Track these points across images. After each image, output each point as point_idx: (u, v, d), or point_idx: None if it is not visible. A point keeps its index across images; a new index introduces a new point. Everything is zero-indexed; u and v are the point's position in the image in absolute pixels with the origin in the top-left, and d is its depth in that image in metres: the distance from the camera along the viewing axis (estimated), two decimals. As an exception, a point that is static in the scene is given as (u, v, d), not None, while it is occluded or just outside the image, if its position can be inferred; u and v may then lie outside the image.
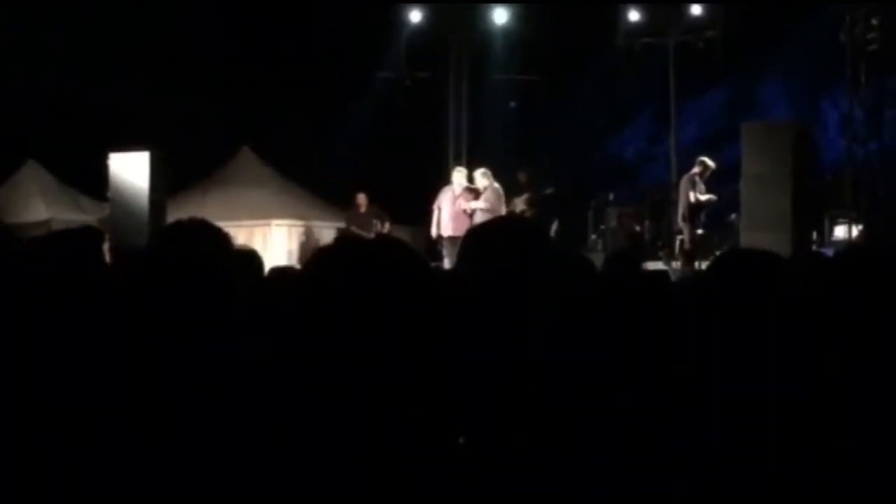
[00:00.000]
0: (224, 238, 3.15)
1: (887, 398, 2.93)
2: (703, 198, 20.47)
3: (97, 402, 2.70)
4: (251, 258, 5.69)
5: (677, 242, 20.85)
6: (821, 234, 21.23)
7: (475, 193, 20.31)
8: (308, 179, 24.47)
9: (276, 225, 22.56)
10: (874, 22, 22.94)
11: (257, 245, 19.28)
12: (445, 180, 20.66)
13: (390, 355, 2.55)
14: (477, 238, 3.30)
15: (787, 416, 3.00)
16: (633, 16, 25.33)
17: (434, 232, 20.31)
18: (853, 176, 23.04)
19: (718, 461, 2.94)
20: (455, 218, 19.98)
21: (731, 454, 2.95)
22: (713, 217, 21.77)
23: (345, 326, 2.56)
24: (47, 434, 2.71)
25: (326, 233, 22.69)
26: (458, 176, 20.60)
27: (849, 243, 20.79)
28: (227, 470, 2.56)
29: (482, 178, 20.31)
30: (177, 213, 17.58)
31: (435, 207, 20.40)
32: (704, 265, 18.78)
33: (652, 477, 2.85)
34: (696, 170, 20.58)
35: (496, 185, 20.34)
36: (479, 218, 18.90)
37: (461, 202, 20.17)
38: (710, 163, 20.65)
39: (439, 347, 2.65)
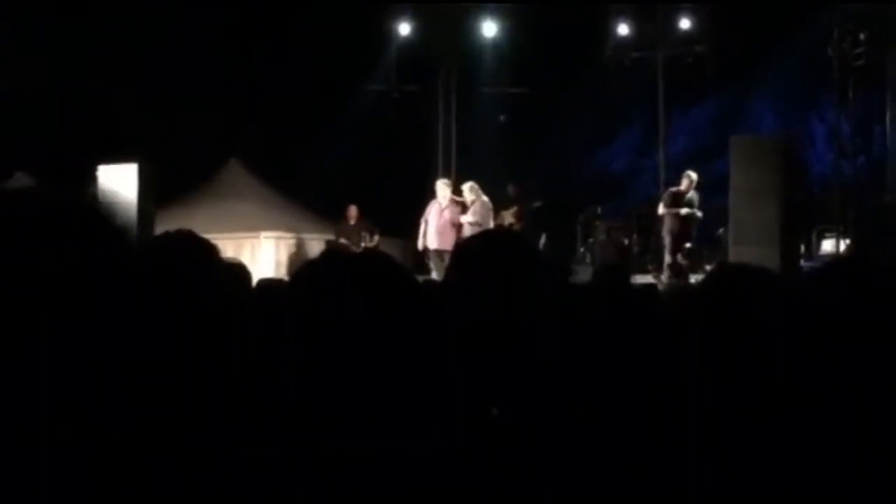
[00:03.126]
0: (211, 250, 3.14)
1: (872, 407, 2.93)
2: (684, 212, 20.60)
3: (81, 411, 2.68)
4: (239, 270, 5.68)
5: (666, 256, 20.88)
6: (808, 248, 21.29)
7: (462, 205, 20.37)
8: (297, 191, 24.46)
9: (265, 237, 22.53)
10: (861, 37, 23.04)
11: (245, 257, 19.27)
12: (434, 193, 20.69)
13: (378, 368, 2.54)
14: (466, 251, 3.29)
15: (776, 426, 2.99)
16: (623, 30, 25.39)
17: (420, 244, 20.38)
18: (841, 190, 23.10)
19: (710, 472, 2.93)
20: (441, 231, 20.05)
21: (722, 464, 2.95)
22: (701, 231, 21.81)
23: (331, 341, 2.55)
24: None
25: (315, 245, 22.67)
26: (443, 188, 20.66)
27: (836, 257, 20.85)
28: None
29: (470, 192, 20.37)
30: (165, 224, 17.55)
31: (422, 220, 20.46)
32: (694, 279, 18.88)
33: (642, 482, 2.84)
34: (682, 185, 20.71)
35: (484, 198, 20.40)
36: (467, 231, 18.96)
37: (447, 214, 20.23)
38: (694, 176, 20.77)
39: (427, 361, 2.65)
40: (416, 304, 2.68)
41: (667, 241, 20.66)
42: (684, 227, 20.66)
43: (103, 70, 22.90)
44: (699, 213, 20.77)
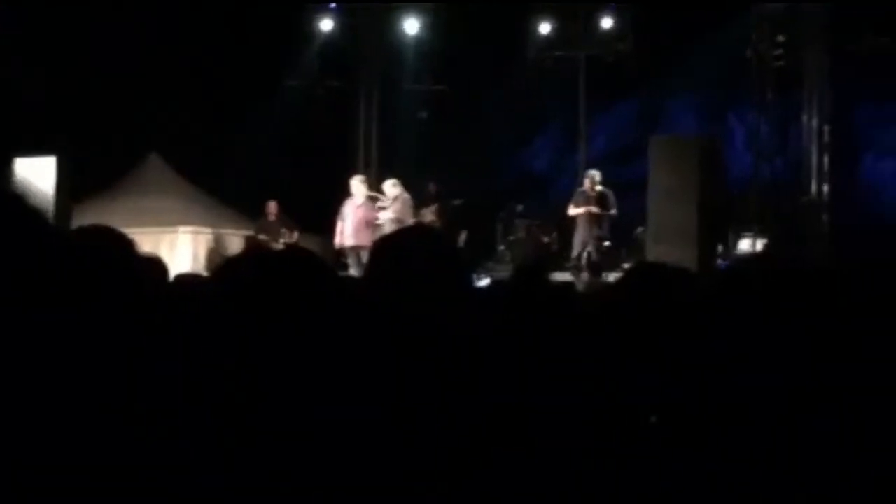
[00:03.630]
0: (128, 244, 3.12)
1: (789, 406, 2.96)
2: (572, 212, 20.80)
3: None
4: (156, 265, 5.65)
5: (584, 255, 20.97)
6: (726, 248, 21.45)
7: (377, 202, 20.42)
8: (216, 187, 24.32)
9: (183, 232, 22.38)
10: (780, 38, 23.28)
11: (164, 252, 19.11)
12: (350, 191, 20.69)
13: (303, 364, 2.54)
14: (385, 248, 3.29)
15: (695, 426, 3.01)
16: (545, 28, 25.45)
17: (338, 242, 20.40)
18: (758, 190, 23.32)
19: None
20: (358, 228, 20.09)
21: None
22: (620, 230, 21.93)
23: (254, 337, 2.54)
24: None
25: (234, 241, 22.58)
26: (358, 186, 20.68)
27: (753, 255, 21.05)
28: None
29: (392, 187, 20.40)
30: (82, 219, 17.38)
31: (338, 218, 20.47)
32: (612, 277, 18.97)
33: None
34: (585, 185, 20.92)
35: (406, 195, 20.44)
36: (387, 228, 18.95)
37: (362, 212, 20.25)
38: (594, 174, 20.98)
39: (349, 357, 2.64)
40: (339, 300, 2.67)
41: (579, 240, 20.82)
42: (595, 226, 20.78)
43: (20, 61, 22.65)
44: (613, 212, 20.89)
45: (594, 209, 20.73)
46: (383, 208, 20.34)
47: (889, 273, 3.26)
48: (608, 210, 20.80)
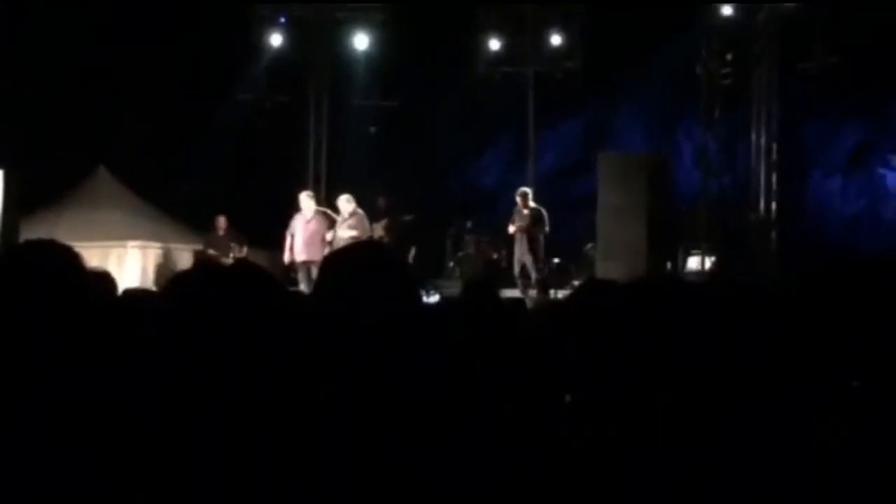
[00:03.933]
0: (74, 258, 3.09)
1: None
2: (510, 230, 20.81)
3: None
4: (104, 279, 5.61)
5: (522, 271, 20.98)
6: (675, 264, 21.52)
7: (329, 217, 20.38)
8: (165, 201, 24.20)
9: (132, 246, 22.25)
10: (728, 57, 23.42)
11: (112, 266, 19.01)
12: (299, 206, 20.65)
13: (248, 379, 2.53)
14: (334, 263, 3.29)
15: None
16: (494, 44, 25.48)
17: (287, 258, 20.34)
18: (707, 208, 23.41)
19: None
20: (309, 243, 20.05)
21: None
22: (569, 247, 21.97)
23: (203, 351, 2.53)
24: None
25: (183, 255, 22.47)
26: (307, 201, 20.65)
27: (703, 273, 21.16)
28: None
29: (347, 203, 20.37)
30: (30, 232, 17.31)
31: (288, 234, 20.42)
32: (560, 294, 19.01)
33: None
34: (518, 202, 20.89)
35: (360, 210, 20.42)
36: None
37: (312, 226, 20.23)
38: (526, 190, 20.98)
39: (296, 370, 2.64)
40: (288, 315, 2.67)
41: (527, 258, 20.76)
42: (528, 243, 20.74)
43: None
44: (546, 230, 20.78)
45: (524, 227, 20.69)
46: (350, 225, 20.22)
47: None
48: (540, 228, 20.71)
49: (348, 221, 20.19)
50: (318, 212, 20.55)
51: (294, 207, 20.82)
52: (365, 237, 19.39)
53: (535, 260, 20.68)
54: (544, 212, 20.83)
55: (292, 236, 20.36)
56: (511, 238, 21.37)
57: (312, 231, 20.23)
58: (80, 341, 2.86)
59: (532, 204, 20.89)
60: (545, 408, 3.40)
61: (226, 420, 2.51)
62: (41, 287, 2.88)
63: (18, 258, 3.03)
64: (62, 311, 2.87)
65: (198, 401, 2.51)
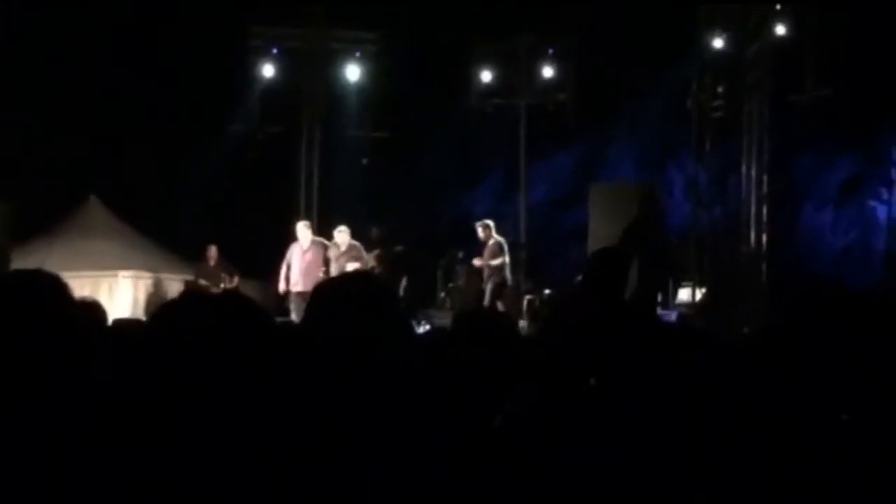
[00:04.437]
0: (63, 288, 3.09)
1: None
2: (490, 262, 20.69)
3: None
4: (93, 309, 5.60)
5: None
6: (666, 296, 21.51)
7: (324, 247, 20.36)
8: (156, 231, 24.20)
9: (123, 276, 22.25)
10: (719, 90, 23.47)
11: (103, 296, 19.00)
12: (296, 235, 20.60)
13: (234, 409, 2.52)
14: (324, 294, 3.28)
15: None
16: (486, 76, 25.54)
17: (282, 287, 20.27)
18: (697, 239, 23.43)
19: None
20: (306, 273, 19.98)
21: None
22: (561, 277, 21.96)
23: (189, 380, 2.52)
24: None
25: (174, 285, 22.47)
26: (304, 230, 20.61)
27: (693, 305, 21.17)
28: None
29: (343, 235, 20.36)
30: (22, 262, 17.31)
31: (284, 263, 20.36)
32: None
33: None
34: (480, 235, 20.83)
35: (357, 242, 20.45)
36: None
37: (309, 256, 20.20)
38: (488, 222, 20.92)
39: (285, 401, 2.63)
40: (274, 346, 2.67)
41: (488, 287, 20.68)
42: (491, 275, 20.69)
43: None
44: (498, 261, 20.69)
45: (482, 260, 20.70)
46: (353, 257, 20.19)
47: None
48: (497, 260, 20.66)
49: (350, 254, 20.18)
50: (314, 242, 20.51)
51: (286, 238, 20.80)
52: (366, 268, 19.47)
53: (498, 293, 20.61)
54: (504, 242, 20.83)
55: (288, 266, 20.30)
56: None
57: (309, 261, 20.17)
58: (63, 369, 2.86)
59: (496, 236, 20.84)
60: (547, 436, 3.41)
61: (209, 448, 2.50)
62: (26, 317, 2.88)
63: (4, 288, 3.03)
64: (47, 340, 2.87)
65: (179, 428, 2.51)
